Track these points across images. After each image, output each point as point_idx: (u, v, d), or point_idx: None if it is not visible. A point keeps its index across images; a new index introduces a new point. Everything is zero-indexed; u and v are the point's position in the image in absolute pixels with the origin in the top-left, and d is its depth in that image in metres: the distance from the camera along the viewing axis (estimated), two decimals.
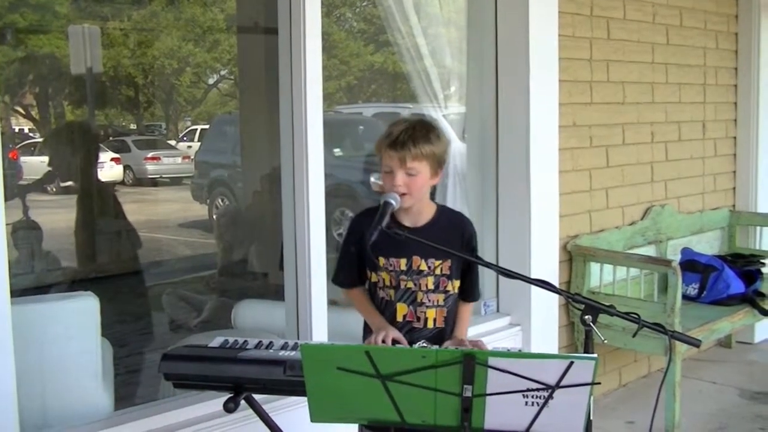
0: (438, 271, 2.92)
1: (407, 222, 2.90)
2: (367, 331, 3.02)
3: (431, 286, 2.92)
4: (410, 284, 2.91)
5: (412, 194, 2.85)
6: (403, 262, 2.90)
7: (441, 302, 2.95)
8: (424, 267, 2.90)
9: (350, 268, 3.03)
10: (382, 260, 2.91)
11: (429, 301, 2.93)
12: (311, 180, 3.82)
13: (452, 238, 2.93)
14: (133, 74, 19.72)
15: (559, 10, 4.91)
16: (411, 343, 2.89)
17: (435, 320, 2.95)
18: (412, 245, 2.79)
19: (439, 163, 2.90)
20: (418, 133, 2.83)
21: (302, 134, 3.79)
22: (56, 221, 7.79)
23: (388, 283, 2.93)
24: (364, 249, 2.89)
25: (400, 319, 2.93)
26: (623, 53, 5.50)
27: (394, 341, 2.85)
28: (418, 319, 2.94)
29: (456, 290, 2.99)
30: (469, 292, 3.06)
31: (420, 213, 2.93)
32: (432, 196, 3.04)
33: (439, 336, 2.95)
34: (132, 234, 6.77)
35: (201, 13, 20.24)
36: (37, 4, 14.53)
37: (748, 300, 5.45)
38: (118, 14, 16.35)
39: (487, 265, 2.78)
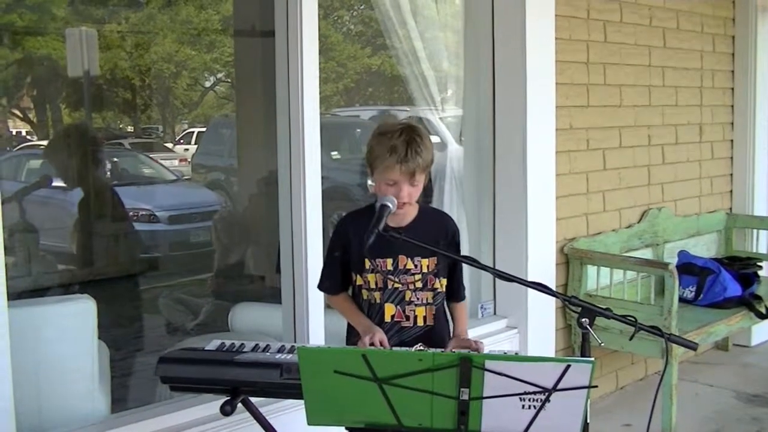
0: (425, 269, 2.93)
1: (392, 222, 2.90)
2: (353, 334, 3.02)
3: (419, 285, 2.93)
4: (397, 284, 2.92)
5: (413, 203, 2.89)
6: (389, 262, 2.90)
7: (430, 300, 2.96)
8: (410, 266, 2.91)
9: (336, 273, 3.03)
10: (368, 262, 2.91)
11: (418, 299, 2.94)
12: (308, 183, 3.82)
13: (437, 236, 2.95)
14: (130, 77, 19.70)
15: (556, 13, 4.92)
16: (401, 342, 2.90)
17: (425, 318, 2.96)
18: (397, 245, 2.78)
19: (431, 166, 2.93)
20: (420, 144, 2.83)
21: (299, 137, 3.79)
22: None
23: (373, 284, 2.93)
24: (351, 252, 2.92)
25: (388, 319, 2.93)
26: (620, 56, 5.51)
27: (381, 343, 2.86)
28: (407, 318, 2.94)
29: (443, 288, 2.99)
30: (457, 291, 3.07)
31: (405, 214, 2.93)
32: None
33: (429, 334, 2.95)
34: (133, 236, 6.79)
35: (205, 18, 20.24)
36: (34, 6, 14.51)
37: (745, 303, 5.45)
38: (115, 17, 16.34)
39: (484, 267, 2.78)
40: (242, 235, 7.43)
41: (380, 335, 2.86)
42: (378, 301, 2.94)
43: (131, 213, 9.11)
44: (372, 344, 2.81)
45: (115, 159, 12.02)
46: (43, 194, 7.52)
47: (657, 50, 5.83)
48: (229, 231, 7.71)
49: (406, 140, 2.82)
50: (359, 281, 2.97)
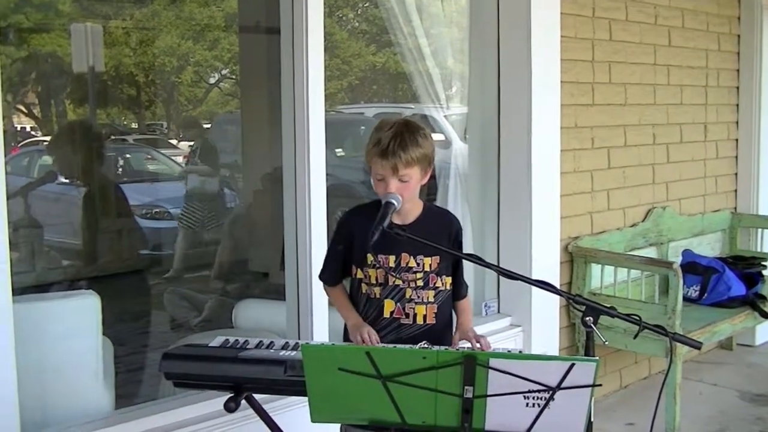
0: (427, 268, 2.92)
1: (396, 220, 2.88)
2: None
3: (420, 283, 2.92)
4: (398, 281, 2.91)
5: (405, 198, 2.85)
6: (391, 258, 2.90)
7: (431, 299, 2.95)
8: (412, 264, 2.91)
9: (336, 265, 3.04)
10: (370, 257, 2.90)
11: (418, 297, 2.93)
12: (313, 180, 3.82)
13: (440, 235, 2.95)
14: (135, 73, 19.70)
15: (561, 11, 4.91)
16: (398, 339, 2.90)
17: (425, 317, 2.95)
18: (401, 242, 2.77)
19: (429, 163, 2.90)
20: (407, 138, 2.81)
21: (304, 134, 3.80)
22: None
23: (374, 280, 2.93)
24: (354, 246, 2.92)
25: (386, 315, 2.93)
26: (625, 55, 5.50)
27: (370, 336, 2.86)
28: (407, 315, 2.93)
29: (447, 287, 2.98)
30: (458, 289, 3.06)
31: (408, 211, 2.93)
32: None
33: (430, 333, 2.94)
34: (137, 233, 6.80)
35: (208, 14, 20.23)
36: (40, 4, 14.51)
37: (749, 302, 5.45)
38: (120, 13, 16.35)
39: (488, 265, 2.78)
40: (246, 231, 7.43)
41: (368, 329, 2.85)
42: (378, 296, 2.93)
43: (144, 211, 9.09)
44: (363, 340, 2.81)
45: (128, 155, 11.96)
46: (57, 190, 7.54)
47: (662, 49, 5.82)
48: (234, 227, 7.71)
49: (393, 134, 2.81)
50: (359, 275, 2.97)
